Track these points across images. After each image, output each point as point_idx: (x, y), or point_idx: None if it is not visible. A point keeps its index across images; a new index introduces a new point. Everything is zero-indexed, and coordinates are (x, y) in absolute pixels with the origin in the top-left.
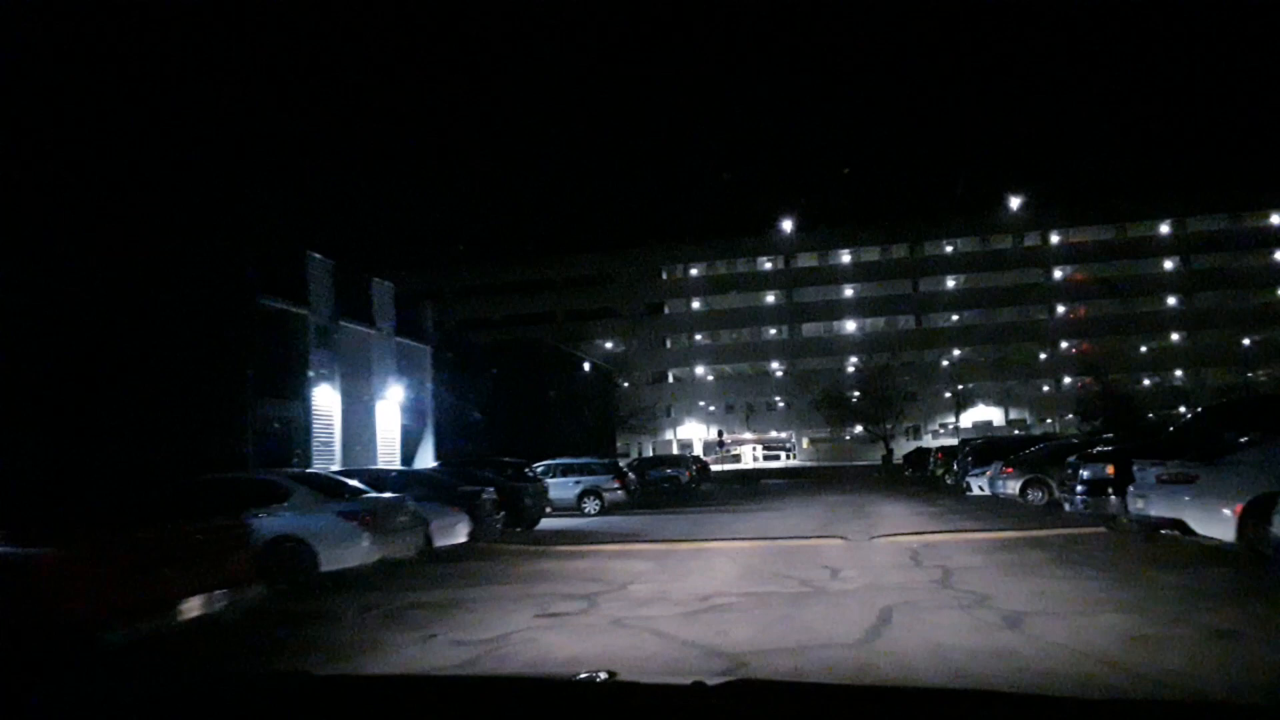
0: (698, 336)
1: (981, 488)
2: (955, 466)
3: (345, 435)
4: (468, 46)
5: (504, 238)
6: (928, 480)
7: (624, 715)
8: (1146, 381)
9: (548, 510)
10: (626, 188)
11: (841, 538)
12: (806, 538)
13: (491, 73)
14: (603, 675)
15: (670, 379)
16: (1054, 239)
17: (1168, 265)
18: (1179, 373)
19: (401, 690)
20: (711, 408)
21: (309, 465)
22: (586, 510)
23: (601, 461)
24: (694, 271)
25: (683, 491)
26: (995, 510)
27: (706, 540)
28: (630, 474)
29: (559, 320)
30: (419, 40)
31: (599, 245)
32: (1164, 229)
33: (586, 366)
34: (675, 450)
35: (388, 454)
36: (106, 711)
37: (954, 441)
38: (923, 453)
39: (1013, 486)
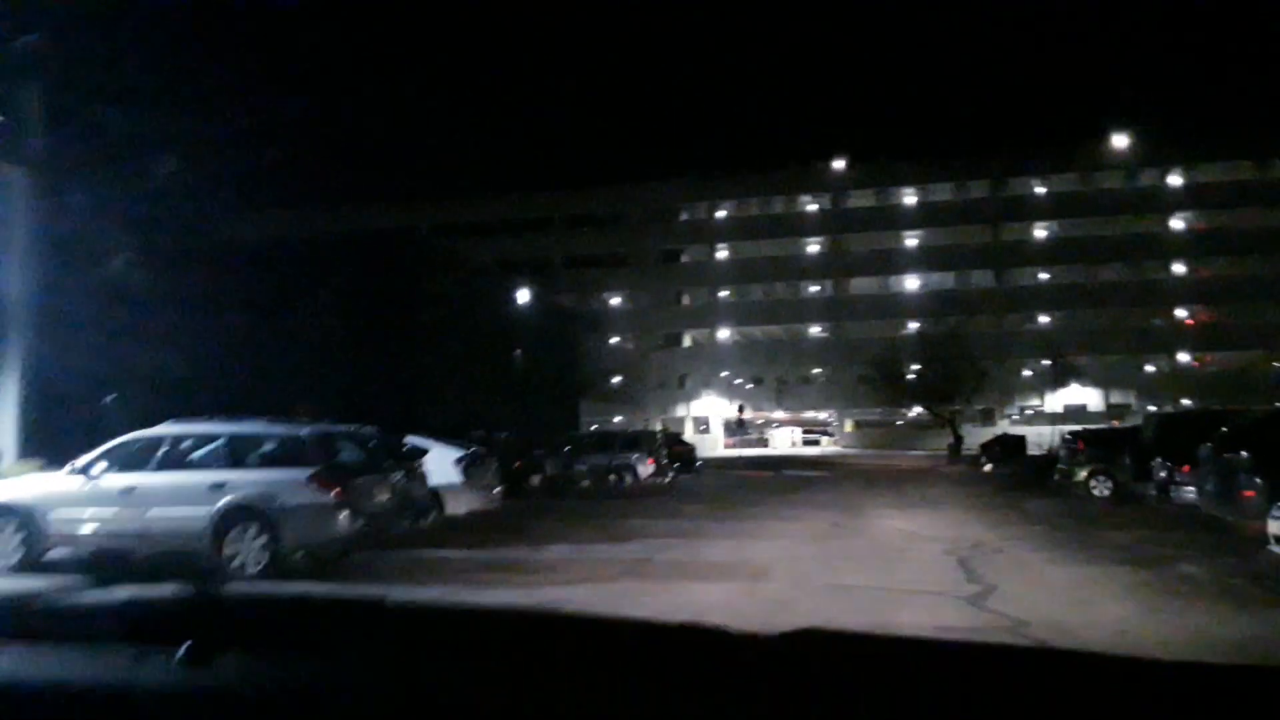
0: (722, 292)
1: None
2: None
3: None
4: None
5: (492, 168)
6: (1055, 488)
7: (687, 659)
8: None
9: None
10: (642, 109)
11: None
12: None
13: None
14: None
15: (687, 342)
16: (1174, 179)
17: None
18: None
19: (461, 620)
20: (737, 380)
21: None
22: (238, 562)
23: (289, 433)
24: (720, 213)
25: (631, 492)
26: None
27: None
28: (365, 470)
29: (555, 266)
30: None
31: (605, 178)
32: None
33: (523, 296)
34: (689, 430)
35: None
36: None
37: (1047, 429)
38: (1008, 442)
39: None
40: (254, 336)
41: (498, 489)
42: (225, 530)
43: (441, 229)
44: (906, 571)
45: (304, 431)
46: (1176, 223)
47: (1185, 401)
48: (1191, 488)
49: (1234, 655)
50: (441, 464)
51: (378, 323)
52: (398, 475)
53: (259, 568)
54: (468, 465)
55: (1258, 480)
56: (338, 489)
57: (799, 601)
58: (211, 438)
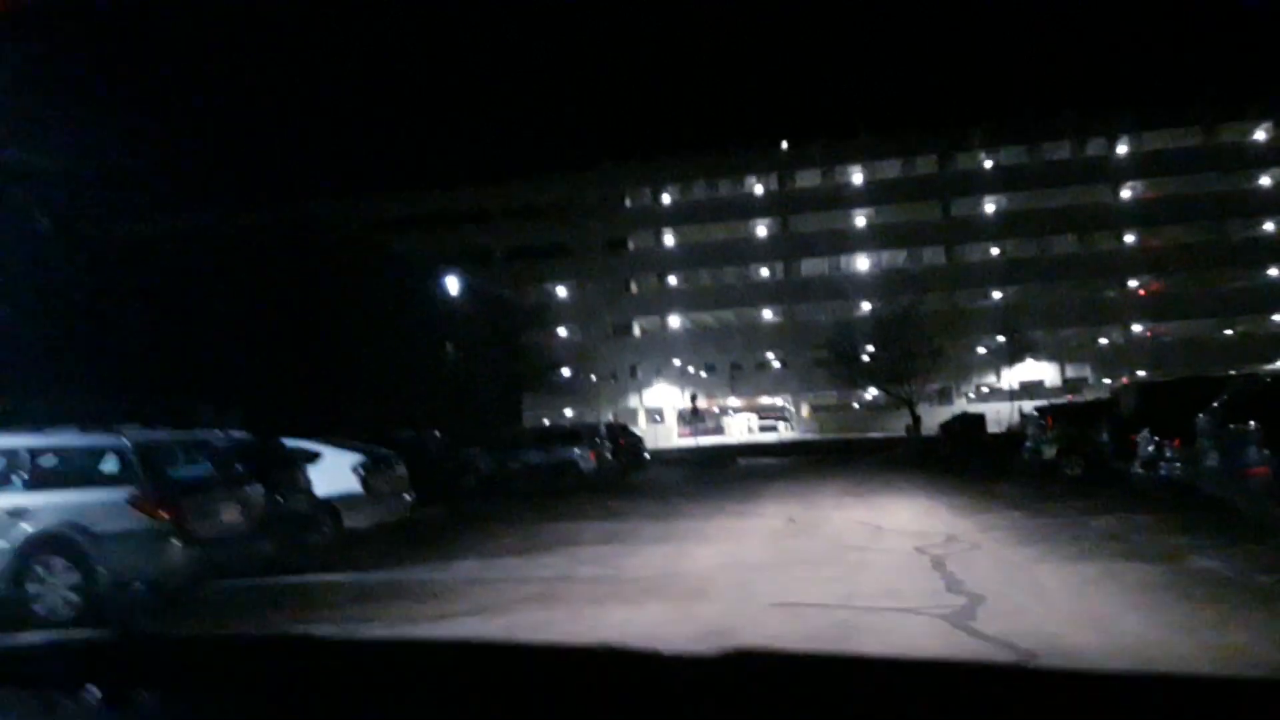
0: (670, 278)
1: None
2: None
3: None
4: None
5: (429, 160)
6: (1023, 467)
7: (622, 684)
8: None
9: None
10: (583, 95)
11: None
12: None
13: None
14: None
15: (637, 331)
16: (1122, 148)
17: (1265, 181)
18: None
19: (395, 653)
20: (689, 368)
21: None
22: (44, 605)
23: (106, 443)
24: (665, 198)
25: (570, 490)
26: None
27: None
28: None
29: (497, 260)
30: None
31: (546, 167)
32: (1260, 134)
33: (452, 285)
34: (641, 421)
35: None
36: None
37: (1005, 406)
38: (968, 420)
39: None
40: (153, 335)
41: (409, 496)
42: (27, 567)
43: (377, 224)
44: (873, 579)
45: (124, 441)
46: (1126, 192)
47: (1140, 373)
48: (1183, 464)
49: None
50: (338, 471)
51: (293, 319)
52: (254, 489)
53: (70, 611)
54: (368, 471)
55: (1267, 454)
56: (166, 511)
57: (741, 627)
58: (11, 453)
